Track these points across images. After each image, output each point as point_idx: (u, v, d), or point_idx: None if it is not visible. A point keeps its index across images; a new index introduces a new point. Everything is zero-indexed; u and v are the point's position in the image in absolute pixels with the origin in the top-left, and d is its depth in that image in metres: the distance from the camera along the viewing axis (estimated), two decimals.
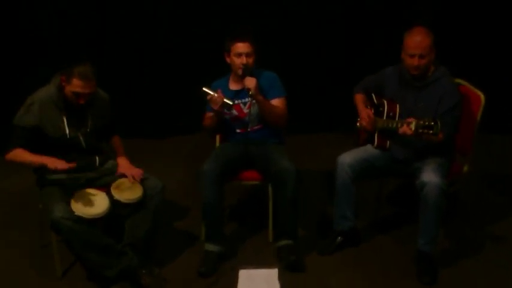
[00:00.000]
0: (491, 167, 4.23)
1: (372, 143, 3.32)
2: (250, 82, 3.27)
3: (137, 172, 3.18)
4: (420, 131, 2.93)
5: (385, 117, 3.25)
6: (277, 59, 4.35)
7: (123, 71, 4.75)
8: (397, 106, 3.25)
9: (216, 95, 3.27)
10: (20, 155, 3.04)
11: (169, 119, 5.02)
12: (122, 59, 4.76)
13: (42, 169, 3.01)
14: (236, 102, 3.41)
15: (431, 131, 2.90)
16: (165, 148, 4.83)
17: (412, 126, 2.95)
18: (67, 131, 3.06)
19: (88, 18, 4.69)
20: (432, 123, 2.89)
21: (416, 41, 3.08)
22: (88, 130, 3.13)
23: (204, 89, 3.32)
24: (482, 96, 3.32)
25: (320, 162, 4.33)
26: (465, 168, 3.35)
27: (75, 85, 2.96)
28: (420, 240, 3.11)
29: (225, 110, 3.37)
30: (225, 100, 3.27)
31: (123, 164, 3.26)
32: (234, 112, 3.43)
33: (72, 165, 2.98)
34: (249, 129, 3.42)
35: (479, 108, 3.31)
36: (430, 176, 3.03)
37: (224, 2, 4.71)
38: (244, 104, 3.42)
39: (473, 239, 3.43)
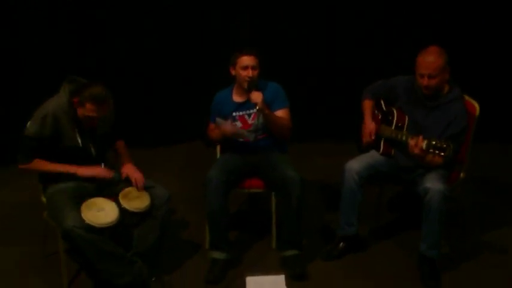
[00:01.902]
0: (486, 174, 4.35)
1: (377, 149, 3.39)
2: (257, 97, 3.30)
3: (139, 177, 3.18)
4: (431, 150, 2.98)
5: (393, 127, 3.31)
6: (271, 66, 4.42)
7: (118, 81, 4.67)
8: (407, 118, 3.31)
9: (229, 125, 3.32)
10: (42, 164, 3.06)
11: (164, 128, 5.04)
12: (116, 69, 4.76)
13: (55, 178, 3.02)
14: (240, 113, 3.46)
15: (442, 153, 2.96)
16: (161, 157, 4.85)
17: (423, 145, 3.00)
18: (79, 141, 3.07)
19: (86, 27, 4.70)
20: (445, 145, 2.94)
21: (427, 61, 3.11)
22: (97, 138, 3.15)
23: (217, 119, 3.37)
24: (477, 106, 3.41)
25: (314, 171, 4.41)
26: (461, 175, 3.46)
27: (89, 109, 2.97)
28: (423, 245, 3.20)
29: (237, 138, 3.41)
30: (238, 132, 3.34)
31: (128, 167, 3.24)
32: (239, 123, 3.48)
33: (109, 175, 3.07)
34: (252, 140, 3.46)
35: (474, 118, 3.40)
36: (433, 182, 3.12)
37: (224, 9, 4.76)
38: (249, 115, 3.47)
39: (470, 244, 3.54)
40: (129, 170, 3.21)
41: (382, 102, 3.48)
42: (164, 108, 4.99)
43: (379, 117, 3.45)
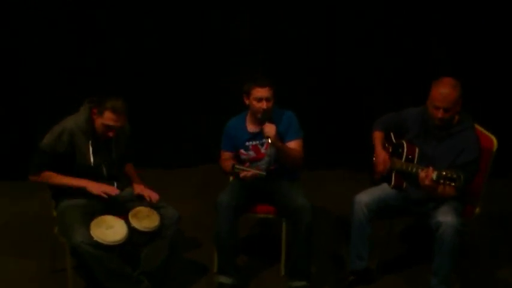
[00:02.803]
0: (502, 208, 4.26)
1: (389, 182, 3.36)
2: (270, 130, 3.27)
3: (154, 194, 3.22)
4: (441, 181, 2.94)
5: (403, 159, 3.28)
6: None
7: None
8: (416, 149, 3.28)
9: (247, 170, 3.27)
10: (51, 176, 3.10)
11: (176, 149, 5.06)
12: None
13: (67, 193, 3.06)
14: (254, 143, 3.45)
15: (453, 184, 2.92)
16: (172, 179, 4.85)
17: (434, 176, 2.96)
18: (91, 160, 3.11)
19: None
20: (455, 176, 2.91)
21: (443, 94, 3.08)
22: (112, 160, 3.19)
23: (236, 166, 3.31)
24: (495, 140, 3.37)
25: (324, 198, 4.36)
26: (477, 210, 3.40)
27: (107, 118, 3.04)
28: (434, 280, 3.14)
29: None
30: (258, 173, 3.28)
31: (139, 186, 3.29)
32: (252, 153, 3.46)
33: (116, 192, 3.08)
34: (264, 170, 3.37)
35: (491, 152, 3.36)
36: (445, 216, 3.07)
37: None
38: (262, 144, 3.44)
39: (482, 280, 3.46)
40: (141, 189, 3.24)
41: (391, 135, 3.47)
42: (177, 129, 5.00)
43: (390, 150, 3.42)
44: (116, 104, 3.03)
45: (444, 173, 2.94)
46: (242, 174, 3.27)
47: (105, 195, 3.07)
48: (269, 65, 4.45)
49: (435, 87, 3.13)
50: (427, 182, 2.99)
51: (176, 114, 4.97)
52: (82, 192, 3.09)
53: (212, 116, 4.78)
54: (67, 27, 4.68)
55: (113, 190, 3.11)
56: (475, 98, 3.79)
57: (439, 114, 3.11)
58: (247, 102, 3.42)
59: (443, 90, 3.10)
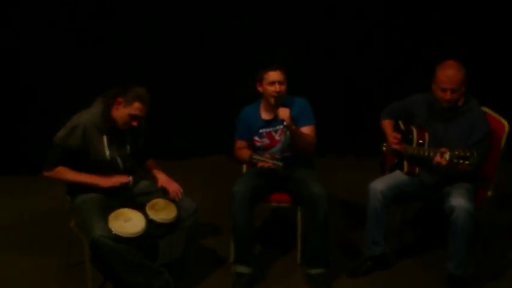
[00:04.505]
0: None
1: (401, 169, 3.38)
2: (284, 113, 3.29)
3: (178, 188, 3.24)
4: (455, 161, 2.99)
5: (414, 144, 3.31)
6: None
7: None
8: (426, 134, 3.32)
9: (265, 163, 3.28)
10: (65, 172, 3.09)
11: (187, 139, 5.08)
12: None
13: (83, 188, 3.06)
14: (268, 130, 3.47)
15: (467, 162, 2.96)
16: (184, 169, 4.83)
17: (447, 157, 3.01)
18: (107, 153, 3.10)
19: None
20: (468, 154, 2.95)
21: (449, 76, 3.13)
22: (127, 153, 3.18)
23: (253, 156, 3.32)
24: (506, 124, 3.40)
25: (336, 186, 4.38)
26: (489, 193, 3.43)
27: (136, 108, 3.04)
28: (450, 264, 3.17)
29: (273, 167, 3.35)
30: (274, 162, 3.28)
31: (163, 177, 3.31)
32: (266, 140, 3.48)
33: (128, 179, 3.08)
34: (278, 156, 3.44)
35: (503, 136, 3.39)
36: (459, 200, 3.10)
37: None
38: (276, 131, 3.47)
39: (497, 263, 3.50)
40: (165, 181, 3.25)
41: (400, 122, 3.51)
42: (188, 119, 5.02)
43: (400, 137, 3.44)
44: (143, 94, 3.05)
45: (457, 153, 2.98)
46: (260, 164, 3.27)
47: (118, 184, 3.08)
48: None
49: (441, 70, 3.17)
50: (443, 163, 3.02)
51: (185, 104, 4.97)
52: (96, 188, 3.09)
53: (212, 116, 4.82)
54: (67, 27, 4.67)
55: (124, 178, 3.10)
56: (485, 84, 3.82)
57: (447, 95, 3.15)
58: (260, 89, 3.45)
59: (449, 72, 3.15)
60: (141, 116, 3.08)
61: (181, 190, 3.23)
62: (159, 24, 4.79)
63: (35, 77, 4.72)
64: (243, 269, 3.31)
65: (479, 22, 4.71)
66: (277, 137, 3.47)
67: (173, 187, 3.24)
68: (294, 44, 4.86)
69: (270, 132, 3.48)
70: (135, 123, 3.07)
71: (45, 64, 4.70)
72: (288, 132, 3.40)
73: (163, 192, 3.24)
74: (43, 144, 3.24)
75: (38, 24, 4.63)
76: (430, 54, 4.62)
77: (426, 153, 3.20)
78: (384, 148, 3.57)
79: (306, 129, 3.46)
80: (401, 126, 3.51)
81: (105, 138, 3.10)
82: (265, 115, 3.51)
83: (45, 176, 3.13)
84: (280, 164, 3.28)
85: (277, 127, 3.46)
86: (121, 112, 3.06)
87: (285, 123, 3.29)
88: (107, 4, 4.68)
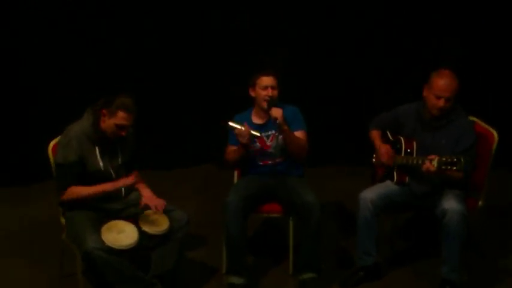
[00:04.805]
0: (505, 201, 4.33)
1: (391, 179, 3.41)
2: (277, 112, 3.34)
3: (160, 203, 3.21)
4: (443, 167, 3.03)
5: (403, 154, 3.34)
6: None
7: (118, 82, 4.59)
8: (414, 143, 3.35)
9: (243, 128, 3.34)
10: (77, 191, 3.07)
11: (176, 149, 5.06)
12: (128, 89, 4.72)
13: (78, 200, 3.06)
14: (260, 135, 3.49)
15: (454, 167, 3.01)
16: (174, 179, 4.86)
17: (435, 163, 3.05)
18: (101, 164, 3.10)
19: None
20: (455, 159, 3.00)
21: (446, 84, 3.17)
22: (119, 163, 3.18)
23: (230, 123, 3.37)
24: (495, 134, 3.43)
25: (327, 195, 4.38)
26: (480, 203, 3.46)
27: (120, 117, 3.02)
28: (444, 268, 3.19)
29: (252, 143, 3.42)
30: (252, 132, 3.34)
31: (146, 194, 3.28)
32: (257, 145, 3.50)
33: (131, 180, 3.09)
34: (270, 162, 3.48)
35: (492, 146, 3.42)
36: (451, 203, 3.14)
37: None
38: (268, 137, 3.50)
39: (488, 273, 3.51)
40: (148, 199, 3.22)
41: (388, 133, 3.54)
42: (177, 129, 5.00)
43: (391, 151, 3.45)
44: (127, 103, 3.03)
45: (444, 159, 3.03)
46: (236, 130, 3.32)
47: (125, 185, 3.10)
48: (269, 65, 4.43)
49: (437, 78, 3.21)
50: (432, 169, 3.06)
51: (175, 114, 4.96)
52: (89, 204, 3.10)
53: (211, 116, 4.78)
54: (67, 27, 4.66)
55: (129, 180, 3.10)
56: (475, 93, 3.84)
57: (441, 103, 3.19)
58: (253, 94, 3.49)
59: (446, 81, 3.19)
60: (127, 125, 3.06)
61: (164, 206, 3.19)
62: (159, 24, 4.80)
63: (35, 77, 4.71)
64: (235, 279, 3.31)
65: (479, 22, 4.73)
66: (268, 143, 3.49)
67: (155, 203, 3.19)
68: (294, 44, 4.88)
69: (261, 138, 3.49)
70: (122, 133, 3.07)
71: (45, 64, 4.69)
72: (279, 138, 3.43)
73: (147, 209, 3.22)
74: (41, 150, 3.25)
75: (38, 24, 4.63)
76: (430, 54, 4.72)
77: (415, 161, 3.23)
78: (374, 160, 3.60)
79: (299, 134, 3.49)
80: (390, 136, 3.54)
81: (97, 150, 3.10)
82: (256, 120, 3.54)
83: (64, 200, 3.10)
84: (258, 134, 3.35)
85: (269, 132, 3.49)
86: (107, 123, 3.05)
87: (278, 121, 3.32)
88: (107, 4, 4.68)
